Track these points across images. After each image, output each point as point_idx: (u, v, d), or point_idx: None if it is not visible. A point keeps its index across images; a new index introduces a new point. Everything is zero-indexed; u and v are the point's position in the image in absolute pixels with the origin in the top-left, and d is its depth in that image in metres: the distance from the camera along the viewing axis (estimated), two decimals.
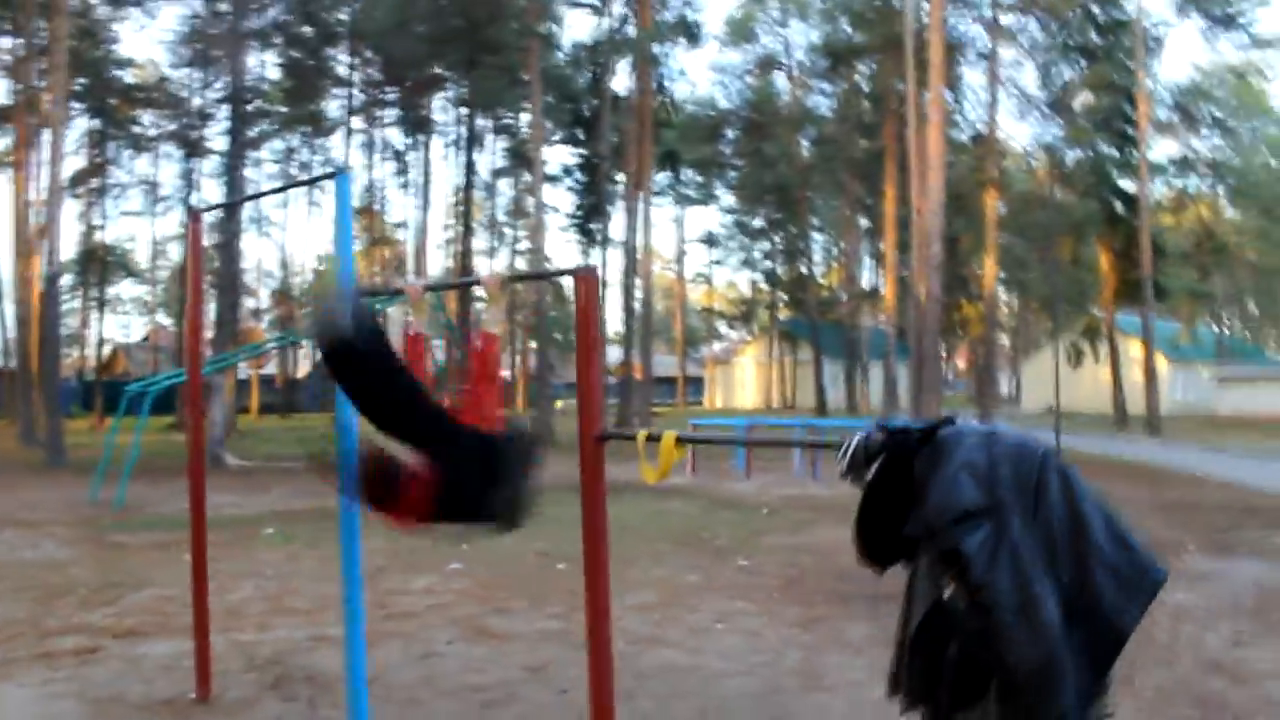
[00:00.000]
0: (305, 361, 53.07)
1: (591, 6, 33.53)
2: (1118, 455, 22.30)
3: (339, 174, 4.14)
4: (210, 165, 42.15)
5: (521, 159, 41.73)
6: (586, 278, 3.40)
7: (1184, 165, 36.92)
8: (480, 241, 48.68)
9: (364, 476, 3.44)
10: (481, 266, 47.43)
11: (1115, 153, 32.15)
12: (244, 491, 15.90)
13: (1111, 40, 30.97)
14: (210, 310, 21.13)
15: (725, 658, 6.21)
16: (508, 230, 62.01)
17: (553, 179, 39.04)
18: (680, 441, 3.32)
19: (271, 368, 50.97)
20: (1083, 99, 27.31)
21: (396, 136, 43.20)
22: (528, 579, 8.49)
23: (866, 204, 45.96)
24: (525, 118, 41.48)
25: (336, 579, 8.43)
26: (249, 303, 47.33)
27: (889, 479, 2.68)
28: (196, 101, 38.04)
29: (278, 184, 35.78)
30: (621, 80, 34.33)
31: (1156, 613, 7.35)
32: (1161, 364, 39.83)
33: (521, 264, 60.29)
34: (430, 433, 3.43)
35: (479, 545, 10.27)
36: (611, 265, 42.58)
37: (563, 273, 3.96)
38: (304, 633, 6.57)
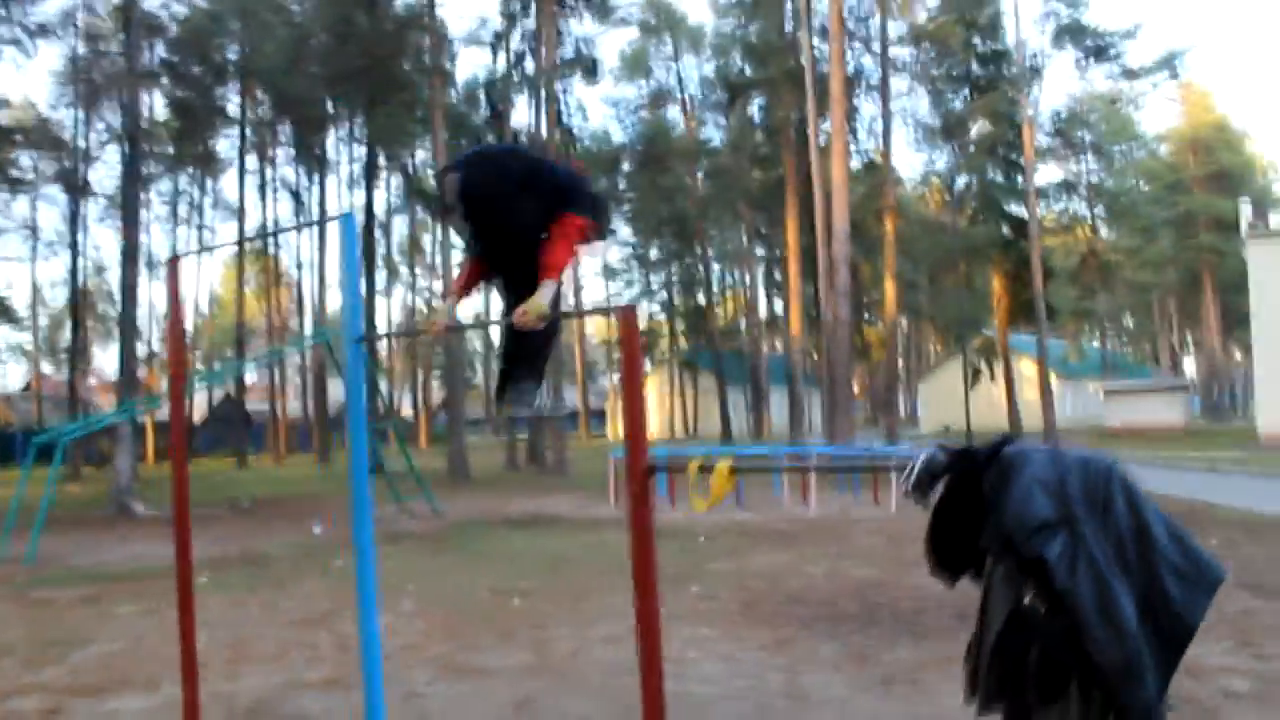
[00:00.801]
0: (201, 406, 51.61)
1: (489, 44, 33.65)
2: None
3: (345, 216, 4.12)
4: (96, 209, 40.99)
5: (419, 196, 41.46)
6: (628, 315, 3.44)
7: (1066, 189, 38.59)
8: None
9: None
10: (379, 305, 46.75)
11: (1003, 179, 33.41)
12: (162, 541, 15.33)
13: (994, 70, 32.25)
14: (108, 356, 20.39)
15: (709, 683, 6.26)
16: (403, 269, 61.55)
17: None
18: (733, 470, 3.36)
19: (164, 414, 49.37)
20: (978, 127, 28.42)
21: (291, 175, 42.52)
22: (488, 616, 8.41)
23: (763, 234, 46.80)
24: (420, 155, 41.38)
25: (287, 624, 8.29)
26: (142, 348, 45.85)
27: (956, 496, 2.79)
28: (80, 142, 36.93)
29: (177, 228, 34.70)
30: (521, 115, 34.45)
31: None
32: (1052, 380, 41.36)
33: (419, 303, 59.93)
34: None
35: (429, 584, 10.18)
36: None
37: (602, 311, 4.05)
38: (276, 679, 6.41)
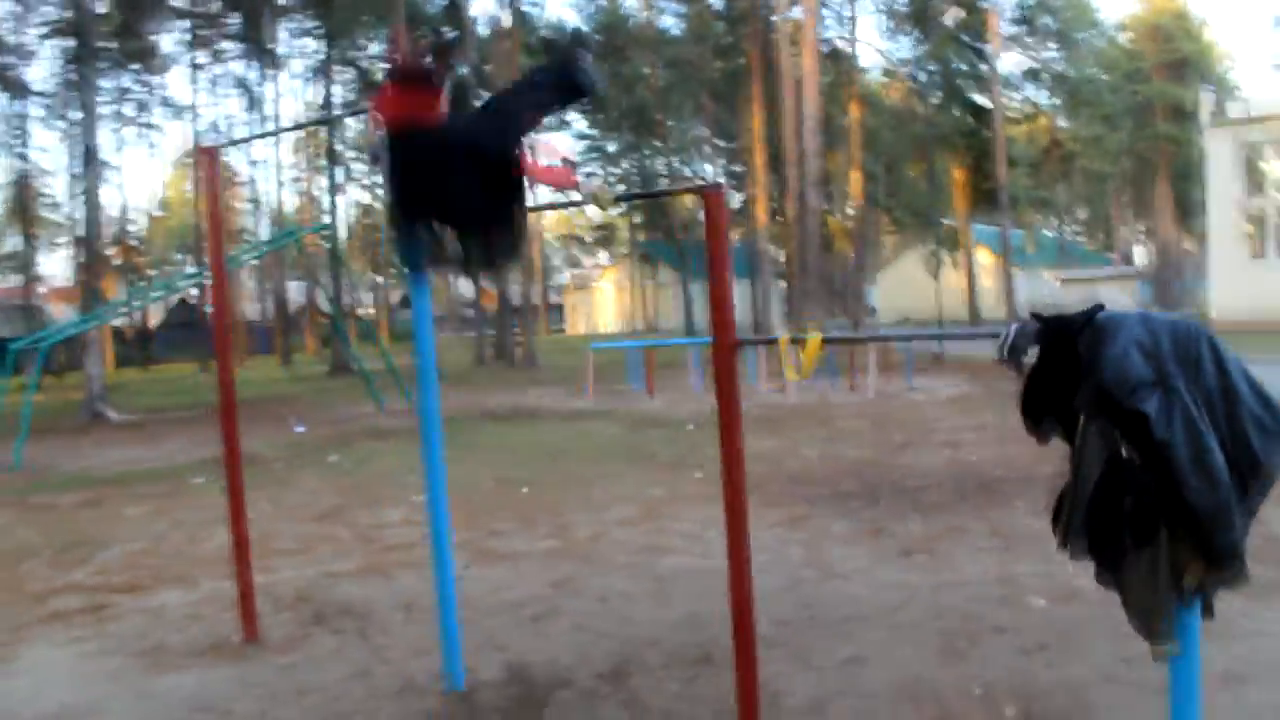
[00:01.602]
0: (158, 311, 50.85)
1: None
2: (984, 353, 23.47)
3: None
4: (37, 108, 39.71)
5: (373, 90, 40.46)
6: (715, 195, 3.49)
7: (1031, 76, 38.52)
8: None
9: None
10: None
11: (967, 67, 33.28)
12: (143, 445, 15.35)
13: None
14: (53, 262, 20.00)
15: None
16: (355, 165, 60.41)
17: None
18: (826, 342, 3.46)
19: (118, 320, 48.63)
20: (953, 14, 28.12)
21: (240, 71, 41.31)
22: (502, 504, 8.56)
23: (723, 124, 46.32)
24: (374, 48, 40.25)
25: (302, 519, 8.39)
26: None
27: (1048, 361, 2.93)
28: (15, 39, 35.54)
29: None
30: (481, 6, 33.60)
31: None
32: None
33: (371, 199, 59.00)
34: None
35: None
36: None
37: (690, 190, 4.11)
38: (311, 570, 6.53)
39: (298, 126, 42.21)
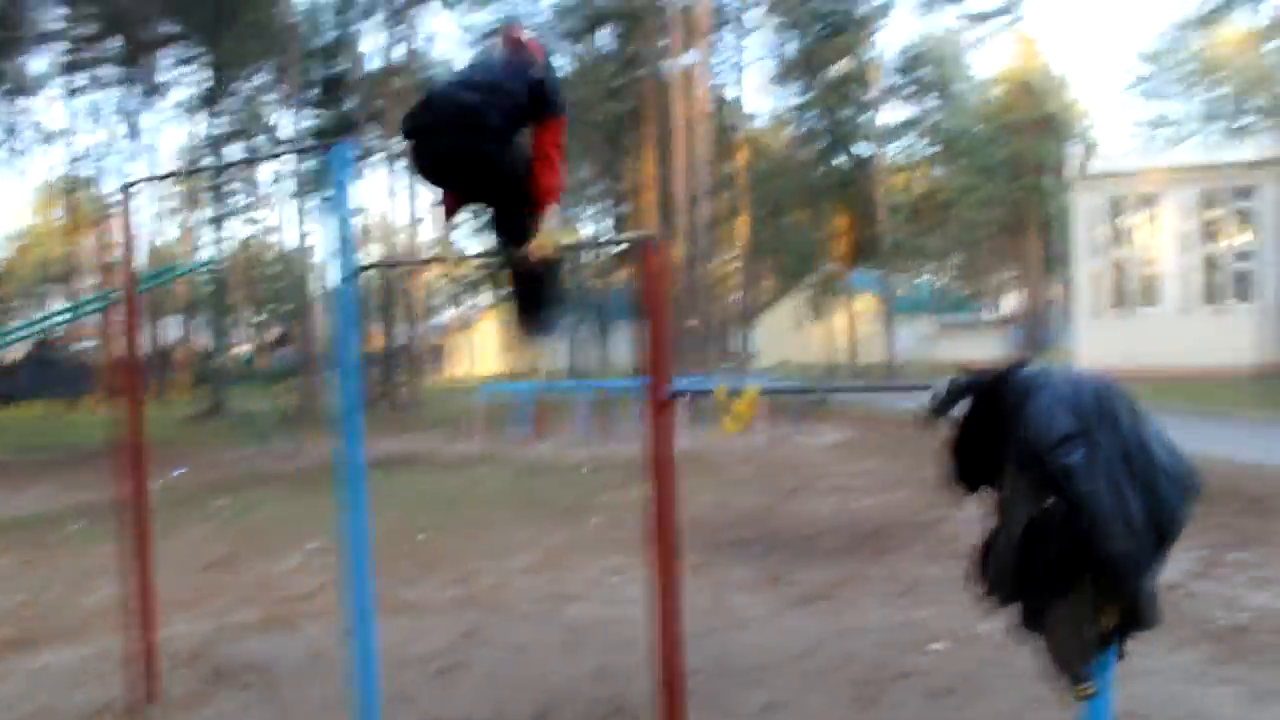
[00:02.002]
0: (20, 347, 48.45)
1: None
2: (867, 400, 24.14)
3: (339, 145, 4.04)
4: None
5: (257, 122, 39.66)
6: (650, 249, 3.54)
7: (909, 126, 39.88)
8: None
9: None
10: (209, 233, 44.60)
11: (851, 117, 34.31)
12: (8, 489, 14.59)
13: (844, 8, 32.89)
14: None
15: (636, 606, 6.45)
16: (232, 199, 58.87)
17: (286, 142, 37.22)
18: (764, 393, 3.51)
19: None
20: (839, 66, 28.99)
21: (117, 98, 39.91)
22: (399, 552, 8.38)
23: (610, 167, 46.61)
24: (257, 80, 39.46)
25: (188, 568, 8.08)
26: None
27: (976, 415, 3.06)
28: None
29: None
30: (375, 42, 33.34)
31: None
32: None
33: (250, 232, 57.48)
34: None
35: (323, 524, 10.02)
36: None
37: (627, 240, 4.16)
38: (206, 624, 6.29)
39: (246, 162, 40.71)
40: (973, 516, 9.73)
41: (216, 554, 8.66)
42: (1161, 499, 2.92)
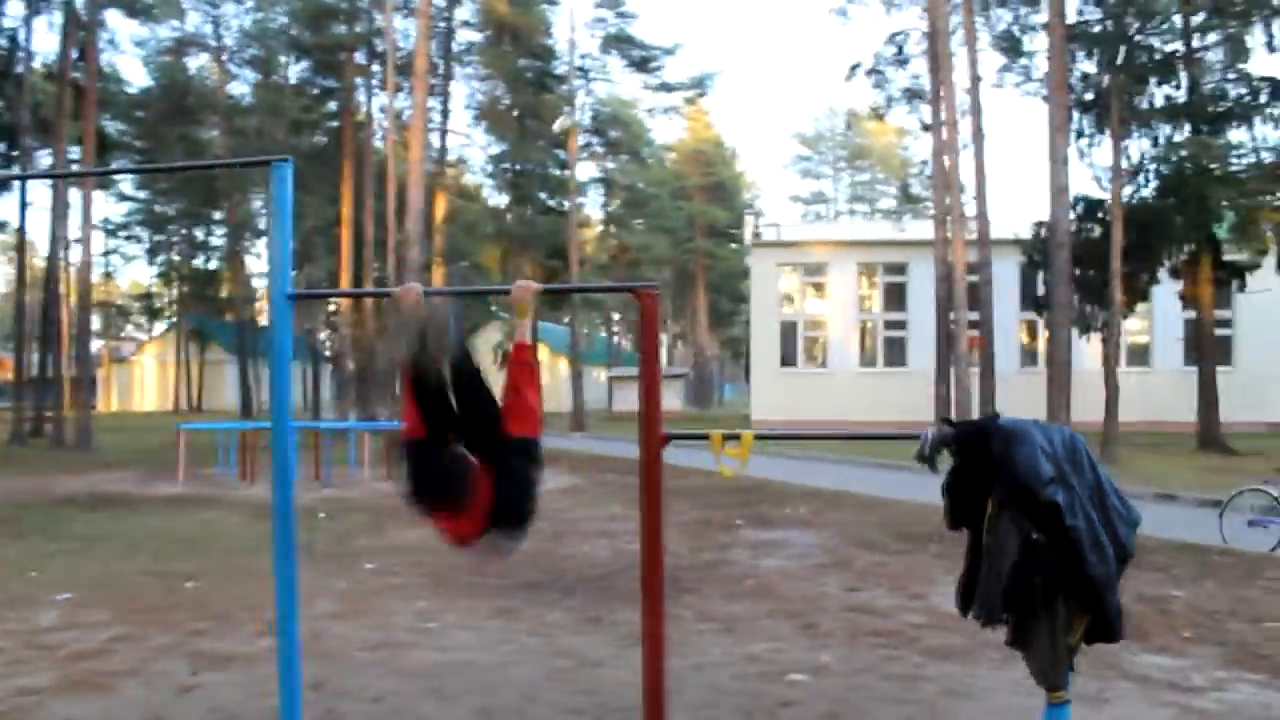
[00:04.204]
0: None
1: None
2: (572, 449, 24.77)
3: (281, 162, 3.88)
4: None
5: None
6: (649, 295, 3.67)
7: (603, 184, 41.45)
8: None
9: (435, 481, 3.47)
10: None
11: (548, 170, 35.27)
12: None
13: (545, 67, 33.90)
14: None
15: (476, 650, 6.43)
16: None
17: None
18: (758, 438, 3.74)
19: None
20: (561, 122, 29.67)
21: None
22: (173, 602, 7.76)
23: (299, 201, 45.02)
24: None
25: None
26: None
27: (968, 460, 3.54)
28: None
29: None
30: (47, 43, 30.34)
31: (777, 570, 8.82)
32: (564, 367, 44.26)
33: None
34: (489, 440, 3.55)
35: (60, 572, 9.06)
36: None
37: (623, 288, 4.17)
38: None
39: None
40: (744, 560, 10.38)
41: None
42: (1116, 533, 3.52)
